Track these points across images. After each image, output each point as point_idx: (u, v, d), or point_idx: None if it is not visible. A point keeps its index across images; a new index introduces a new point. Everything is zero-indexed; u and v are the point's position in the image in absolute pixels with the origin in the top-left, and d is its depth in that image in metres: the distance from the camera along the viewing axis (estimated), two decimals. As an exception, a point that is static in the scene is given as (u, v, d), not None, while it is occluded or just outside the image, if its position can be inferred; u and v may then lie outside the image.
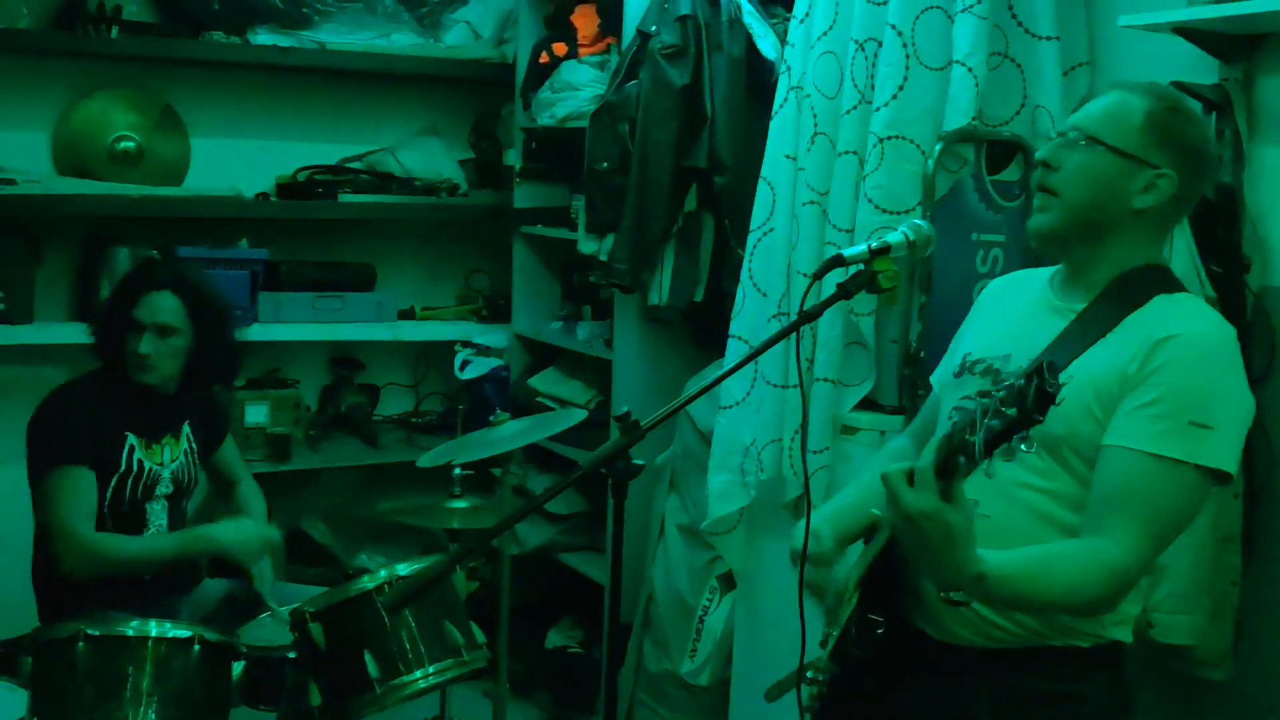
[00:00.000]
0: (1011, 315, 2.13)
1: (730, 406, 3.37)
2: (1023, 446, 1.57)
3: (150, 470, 3.06)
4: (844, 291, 1.97)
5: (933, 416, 2.27)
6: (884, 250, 1.97)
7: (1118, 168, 1.95)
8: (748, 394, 3.34)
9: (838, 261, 1.99)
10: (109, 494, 3.01)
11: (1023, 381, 1.55)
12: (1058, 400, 1.83)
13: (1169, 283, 2.02)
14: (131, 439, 3.05)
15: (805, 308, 2.01)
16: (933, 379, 2.35)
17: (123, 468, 3.02)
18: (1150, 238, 2.02)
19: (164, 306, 3.06)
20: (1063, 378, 1.83)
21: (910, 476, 1.70)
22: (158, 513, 3.12)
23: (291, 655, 2.67)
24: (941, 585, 1.77)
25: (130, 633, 2.49)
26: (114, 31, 4.13)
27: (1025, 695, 2.00)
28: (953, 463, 1.67)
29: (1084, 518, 1.90)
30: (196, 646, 2.51)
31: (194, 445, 3.22)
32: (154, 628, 2.50)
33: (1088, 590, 1.84)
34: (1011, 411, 1.55)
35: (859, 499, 2.21)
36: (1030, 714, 2.01)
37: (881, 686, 2.09)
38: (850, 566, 2.12)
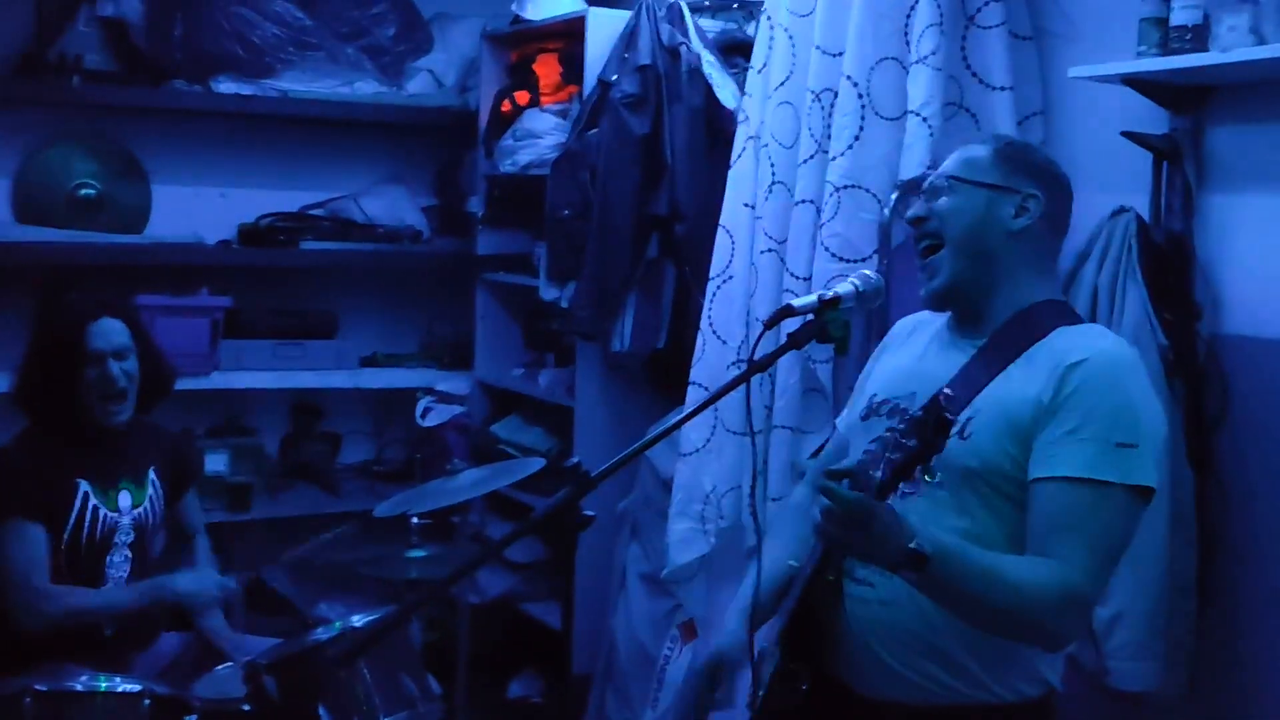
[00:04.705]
0: (913, 355, 2.17)
1: (690, 454, 3.37)
2: (925, 478, 1.59)
3: (107, 518, 3.01)
4: (793, 341, 1.98)
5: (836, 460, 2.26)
6: (833, 302, 1.98)
7: (986, 198, 2.04)
8: (708, 441, 3.35)
9: (788, 312, 2.00)
10: (64, 544, 2.96)
11: (920, 413, 1.60)
12: (966, 434, 1.88)
13: (1069, 315, 2.07)
14: (85, 486, 2.99)
15: (757, 357, 2.02)
16: (839, 422, 2.37)
17: (74, 517, 2.97)
18: (1039, 271, 2.08)
19: (114, 330, 3.02)
20: (970, 411, 1.90)
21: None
22: (118, 565, 3.04)
23: (245, 708, 2.64)
24: (891, 563, 1.78)
25: (79, 688, 2.45)
26: (75, 80, 4.13)
27: None
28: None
29: (1027, 551, 1.89)
30: (147, 701, 2.48)
31: (160, 491, 3.17)
32: (103, 683, 2.47)
33: (1039, 594, 1.82)
34: (912, 443, 1.59)
35: (772, 570, 2.16)
36: None
37: None
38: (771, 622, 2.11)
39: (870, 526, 1.73)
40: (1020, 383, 1.95)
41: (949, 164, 2.10)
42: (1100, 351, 1.95)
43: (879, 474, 1.64)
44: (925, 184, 2.12)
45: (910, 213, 2.11)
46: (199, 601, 3.06)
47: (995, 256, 2.04)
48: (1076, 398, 1.89)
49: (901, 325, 2.31)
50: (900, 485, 1.63)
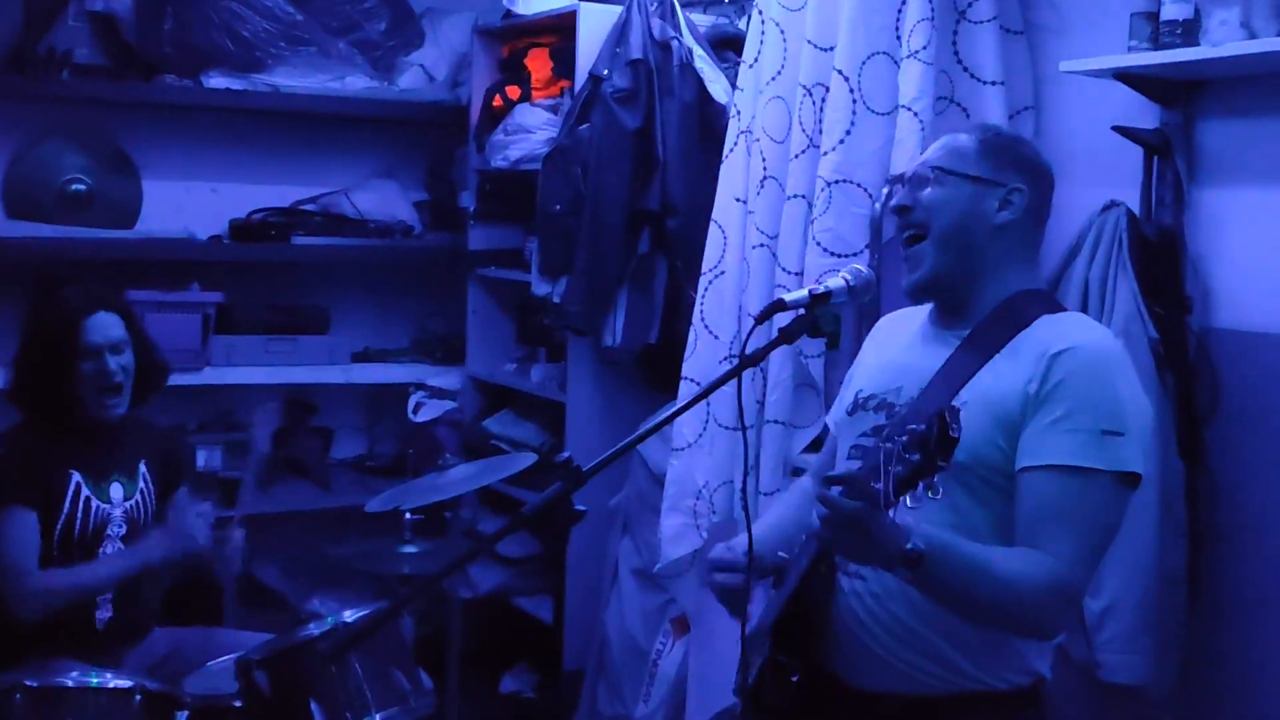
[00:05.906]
0: (897, 349, 2.16)
1: (683, 449, 3.37)
2: (929, 494, 1.58)
3: (99, 509, 3.00)
4: (785, 336, 1.98)
5: (833, 458, 2.27)
6: (825, 296, 1.98)
7: (971, 192, 2.02)
8: (700, 436, 3.35)
9: (779, 306, 2.00)
10: (57, 535, 2.95)
11: (924, 427, 1.56)
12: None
13: (1051, 304, 2.07)
14: (77, 476, 2.99)
15: (748, 352, 2.02)
16: (828, 419, 2.37)
17: (68, 508, 2.96)
18: (1021, 262, 2.06)
19: (109, 324, 3.00)
20: (955, 403, 1.87)
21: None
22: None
23: (237, 704, 2.63)
24: (887, 564, 1.79)
25: (70, 684, 2.45)
26: (65, 75, 4.12)
27: None
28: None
29: (1015, 542, 1.90)
30: (138, 697, 2.48)
31: (151, 485, 3.17)
32: (94, 678, 2.47)
33: (1029, 587, 1.83)
34: (916, 457, 1.57)
35: (768, 535, 2.19)
36: None
37: None
38: (761, 613, 2.11)
39: (869, 533, 1.72)
40: (1007, 374, 1.94)
41: (934, 153, 2.08)
42: (1085, 341, 1.95)
43: (881, 487, 1.61)
44: (909, 172, 2.10)
45: (894, 201, 2.10)
46: (178, 551, 3.00)
47: (979, 250, 2.03)
48: (1063, 387, 1.89)
49: (885, 321, 2.31)
50: (905, 499, 1.61)
